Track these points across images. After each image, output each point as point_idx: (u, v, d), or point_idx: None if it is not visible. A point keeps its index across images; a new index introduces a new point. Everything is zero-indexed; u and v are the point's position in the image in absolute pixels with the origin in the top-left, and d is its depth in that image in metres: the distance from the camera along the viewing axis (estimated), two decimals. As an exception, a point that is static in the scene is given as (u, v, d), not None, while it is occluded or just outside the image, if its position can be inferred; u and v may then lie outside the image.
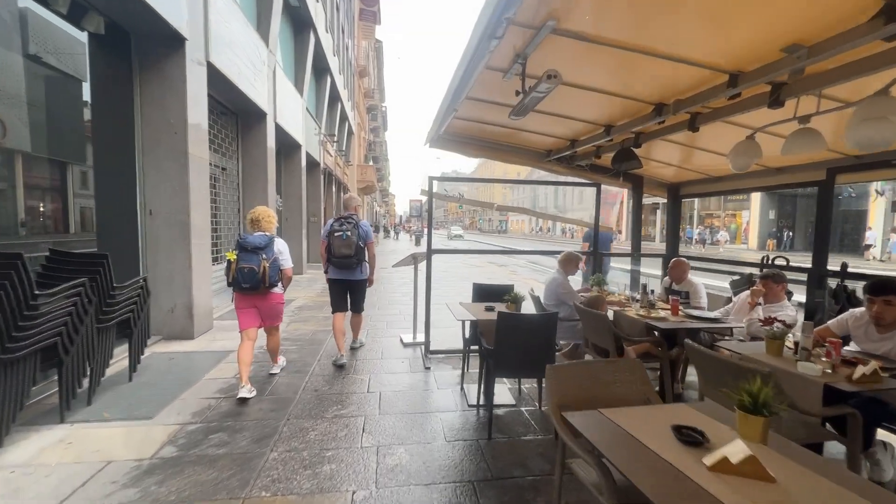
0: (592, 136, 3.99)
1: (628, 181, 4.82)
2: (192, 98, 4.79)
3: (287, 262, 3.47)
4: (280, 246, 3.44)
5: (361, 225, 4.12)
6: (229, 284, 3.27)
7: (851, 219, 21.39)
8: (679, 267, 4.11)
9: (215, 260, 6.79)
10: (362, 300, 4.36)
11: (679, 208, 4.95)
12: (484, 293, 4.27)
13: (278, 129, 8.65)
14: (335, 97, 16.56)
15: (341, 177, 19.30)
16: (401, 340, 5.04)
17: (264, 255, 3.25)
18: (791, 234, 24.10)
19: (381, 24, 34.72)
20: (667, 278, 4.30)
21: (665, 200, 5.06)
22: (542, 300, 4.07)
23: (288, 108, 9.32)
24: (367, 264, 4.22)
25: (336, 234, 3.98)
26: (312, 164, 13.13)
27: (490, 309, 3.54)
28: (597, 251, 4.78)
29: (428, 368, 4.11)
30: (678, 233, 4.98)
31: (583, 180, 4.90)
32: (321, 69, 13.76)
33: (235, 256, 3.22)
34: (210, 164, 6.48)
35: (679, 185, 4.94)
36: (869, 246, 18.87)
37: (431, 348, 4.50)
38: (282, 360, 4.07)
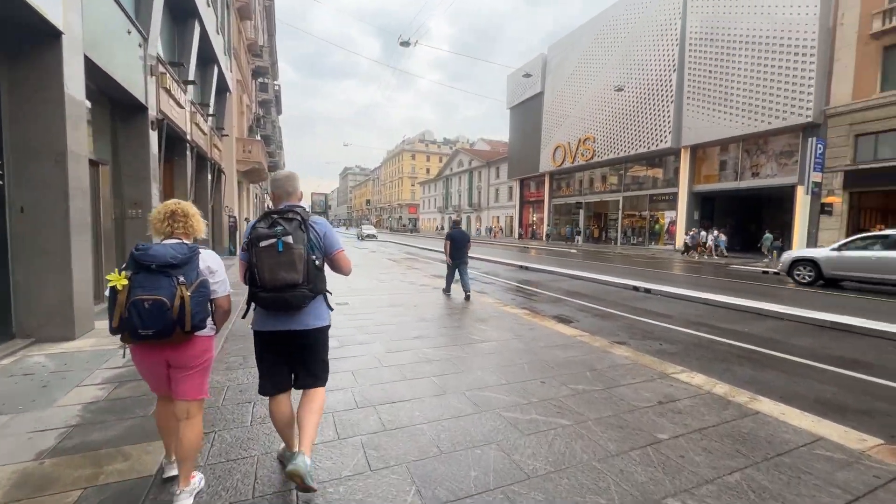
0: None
1: None
2: None
3: (222, 288, 2.06)
4: (210, 261, 2.01)
5: (316, 224, 2.13)
6: (115, 330, 1.77)
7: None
8: None
9: None
10: (323, 366, 2.25)
11: None
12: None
13: None
14: (189, 10, 9.93)
15: (206, 148, 12.29)
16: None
17: (182, 278, 1.81)
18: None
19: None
20: None
21: None
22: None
23: None
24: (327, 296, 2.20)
25: (263, 243, 1.95)
26: (128, 104, 6.64)
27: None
28: None
29: None
30: None
31: None
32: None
33: (126, 280, 1.75)
34: None
35: None
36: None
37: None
38: (197, 479, 2.09)
